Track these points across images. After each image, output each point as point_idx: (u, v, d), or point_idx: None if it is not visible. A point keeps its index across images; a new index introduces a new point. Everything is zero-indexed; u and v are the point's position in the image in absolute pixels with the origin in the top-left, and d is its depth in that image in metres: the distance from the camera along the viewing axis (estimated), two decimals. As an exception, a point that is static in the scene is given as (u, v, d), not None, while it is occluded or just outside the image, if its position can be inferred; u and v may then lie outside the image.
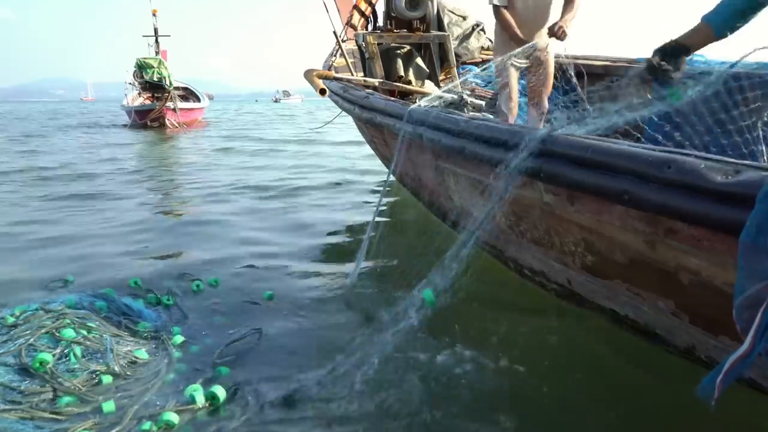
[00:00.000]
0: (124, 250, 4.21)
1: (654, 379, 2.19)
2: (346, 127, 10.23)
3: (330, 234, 4.71)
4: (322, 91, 4.00)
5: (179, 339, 2.56)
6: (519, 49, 3.82)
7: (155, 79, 20.66)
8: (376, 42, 4.77)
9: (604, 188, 1.64)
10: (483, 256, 3.13)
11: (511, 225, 2.49)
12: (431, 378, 2.22)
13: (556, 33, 3.90)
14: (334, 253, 4.18)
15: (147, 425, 1.89)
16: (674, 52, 2.46)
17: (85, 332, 2.38)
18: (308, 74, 4.34)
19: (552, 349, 2.47)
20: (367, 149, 6.29)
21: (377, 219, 3.52)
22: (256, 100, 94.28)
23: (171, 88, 20.71)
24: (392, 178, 4.00)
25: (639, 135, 4.72)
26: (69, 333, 2.34)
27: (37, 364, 2.12)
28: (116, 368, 2.22)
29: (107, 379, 2.16)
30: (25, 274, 3.51)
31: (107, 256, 4.02)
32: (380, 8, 5.73)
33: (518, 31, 3.95)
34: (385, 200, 5.43)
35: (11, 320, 2.43)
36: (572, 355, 2.43)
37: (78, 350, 2.25)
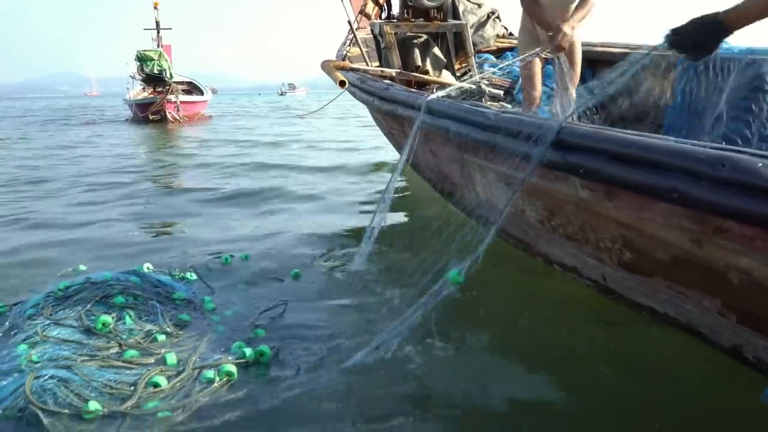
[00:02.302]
0: (138, 237, 4.27)
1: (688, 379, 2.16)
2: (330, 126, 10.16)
3: (355, 216, 4.80)
4: (342, 83, 3.94)
5: (211, 306, 2.80)
6: (539, 51, 3.72)
7: (155, 71, 20.45)
8: (393, 32, 4.70)
9: (651, 186, 1.60)
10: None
11: (542, 220, 2.45)
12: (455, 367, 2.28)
13: (553, 38, 3.73)
14: (357, 234, 4.19)
15: (211, 374, 2.13)
16: (713, 29, 2.05)
17: (132, 299, 2.68)
18: (326, 65, 4.28)
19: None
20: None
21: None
22: (259, 94, 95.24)
23: (171, 80, 20.51)
24: (403, 167, 4.00)
25: (659, 123, 4.67)
26: (120, 300, 2.63)
27: (100, 325, 2.40)
28: (168, 328, 2.49)
29: (161, 337, 2.41)
30: (35, 266, 3.53)
31: (120, 244, 4.06)
32: (394, -3, 5.66)
33: (548, 18, 3.81)
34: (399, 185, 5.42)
35: (60, 294, 2.67)
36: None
37: (132, 314, 2.54)
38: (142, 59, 20.62)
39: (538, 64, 4.07)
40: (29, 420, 1.82)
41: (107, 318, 2.43)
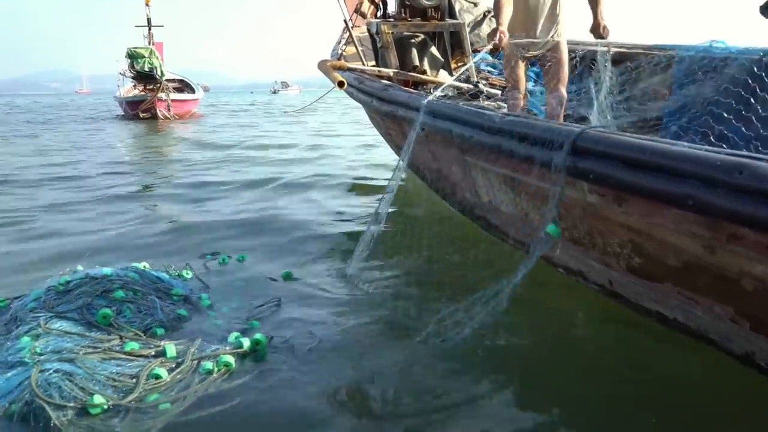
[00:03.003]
0: (132, 239, 4.22)
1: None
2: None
3: (350, 220, 4.78)
4: (341, 84, 3.90)
5: (207, 302, 2.87)
6: (522, 42, 3.66)
7: (146, 69, 20.15)
8: (390, 31, 4.66)
9: (664, 192, 1.58)
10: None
11: (547, 223, 2.43)
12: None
13: (602, 33, 3.81)
14: (352, 238, 4.17)
15: (209, 365, 2.17)
16: None
17: (132, 293, 2.72)
18: (323, 65, 4.23)
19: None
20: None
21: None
22: (251, 92, 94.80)
23: (162, 78, 20.26)
24: (403, 169, 3.99)
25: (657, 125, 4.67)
26: (120, 294, 2.66)
27: (101, 318, 2.44)
28: (166, 321, 2.55)
29: (160, 330, 2.48)
30: (31, 266, 3.54)
31: (114, 246, 4.02)
32: (390, -5, 5.61)
33: (504, 30, 3.59)
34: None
35: (61, 288, 2.70)
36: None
37: (132, 307, 2.60)
38: (132, 56, 20.29)
39: (521, 68, 4.01)
40: (36, 413, 1.85)
41: (108, 311, 2.47)
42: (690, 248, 1.69)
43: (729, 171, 1.40)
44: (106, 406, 1.91)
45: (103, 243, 4.10)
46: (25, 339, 2.26)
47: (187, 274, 3.26)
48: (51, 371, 2.00)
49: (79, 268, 3.28)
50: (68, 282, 2.74)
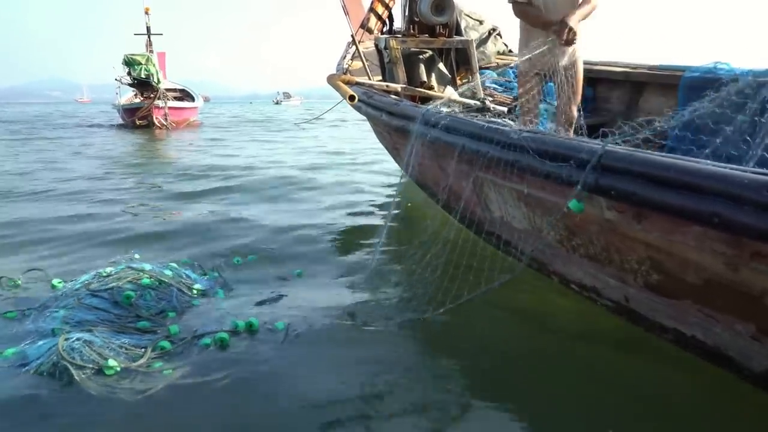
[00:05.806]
0: (172, 235, 4.65)
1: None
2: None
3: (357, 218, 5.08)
4: (352, 98, 3.92)
5: (222, 296, 3.28)
6: (540, 50, 3.62)
7: (143, 75, 20.20)
8: (399, 47, 4.70)
9: (689, 209, 1.59)
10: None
11: (562, 240, 2.44)
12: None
13: (559, 33, 3.46)
14: (358, 238, 4.53)
15: (207, 341, 2.59)
16: None
17: (157, 283, 3.19)
18: (332, 80, 4.25)
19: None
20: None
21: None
22: (251, 102, 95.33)
23: (159, 85, 20.27)
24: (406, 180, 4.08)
25: (662, 142, 4.70)
26: (146, 281, 3.16)
27: (124, 299, 2.96)
28: (178, 307, 3.01)
29: (172, 314, 2.94)
30: (94, 253, 4.12)
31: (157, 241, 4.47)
32: (396, 11, 5.66)
33: (547, 17, 3.59)
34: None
35: (105, 274, 3.23)
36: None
37: (153, 293, 3.08)
38: (129, 63, 20.35)
39: (537, 88, 3.99)
40: (61, 371, 2.28)
41: (131, 293, 2.99)
42: (711, 266, 1.70)
43: (757, 189, 1.41)
44: (118, 369, 2.33)
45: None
46: (62, 312, 2.83)
47: (212, 273, 3.65)
48: (74, 339, 2.44)
49: (136, 256, 3.78)
50: (111, 271, 3.27)
